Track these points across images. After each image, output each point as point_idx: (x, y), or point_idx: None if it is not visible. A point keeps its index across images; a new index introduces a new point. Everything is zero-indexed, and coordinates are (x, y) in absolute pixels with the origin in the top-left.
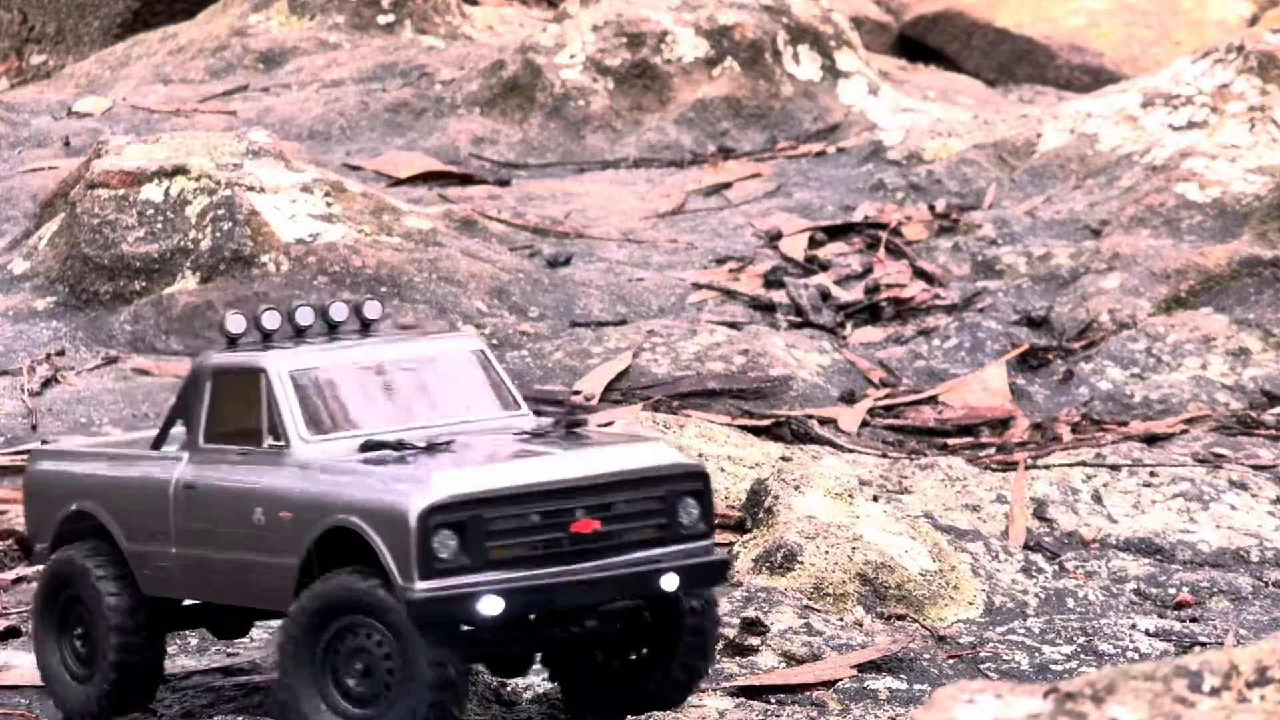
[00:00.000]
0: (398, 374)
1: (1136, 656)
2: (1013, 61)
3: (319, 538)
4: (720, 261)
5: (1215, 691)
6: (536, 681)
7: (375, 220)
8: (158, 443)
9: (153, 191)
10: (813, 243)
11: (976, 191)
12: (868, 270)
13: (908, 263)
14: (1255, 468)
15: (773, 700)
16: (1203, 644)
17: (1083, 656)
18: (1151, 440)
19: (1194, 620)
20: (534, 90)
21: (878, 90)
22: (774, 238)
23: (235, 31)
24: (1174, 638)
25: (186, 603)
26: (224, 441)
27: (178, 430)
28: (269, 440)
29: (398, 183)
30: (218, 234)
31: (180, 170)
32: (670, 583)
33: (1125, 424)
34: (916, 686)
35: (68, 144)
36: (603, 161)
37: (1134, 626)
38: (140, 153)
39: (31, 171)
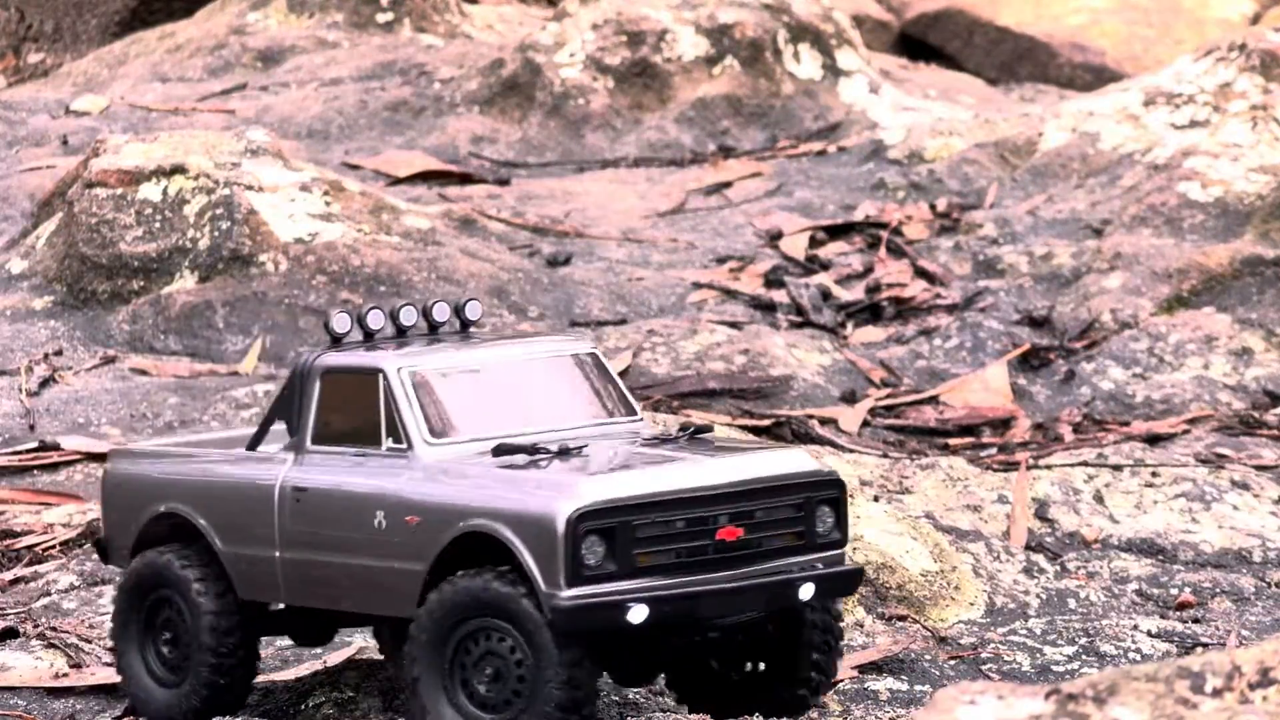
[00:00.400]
0: (514, 377)
1: (1138, 657)
2: (1014, 60)
3: (451, 542)
4: (721, 261)
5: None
6: None
7: (374, 219)
8: (254, 443)
9: (151, 190)
10: (813, 242)
11: (978, 190)
12: (869, 270)
13: (909, 262)
14: (1257, 468)
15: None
16: (1205, 645)
17: (1084, 657)
18: (1153, 440)
19: (1196, 621)
20: (533, 89)
21: (879, 89)
22: (774, 237)
23: (233, 30)
24: (1176, 639)
25: (274, 607)
26: (333, 443)
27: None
28: (388, 442)
29: (396, 182)
30: (216, 233)
31: (178, 169)
32: (807, 592)
33: (1127, 424)
34: (917, 687)
35: (65, 143)
36: (602, 160)
37: (1136, 627)
38: (138, 152)
39: (29, 170)
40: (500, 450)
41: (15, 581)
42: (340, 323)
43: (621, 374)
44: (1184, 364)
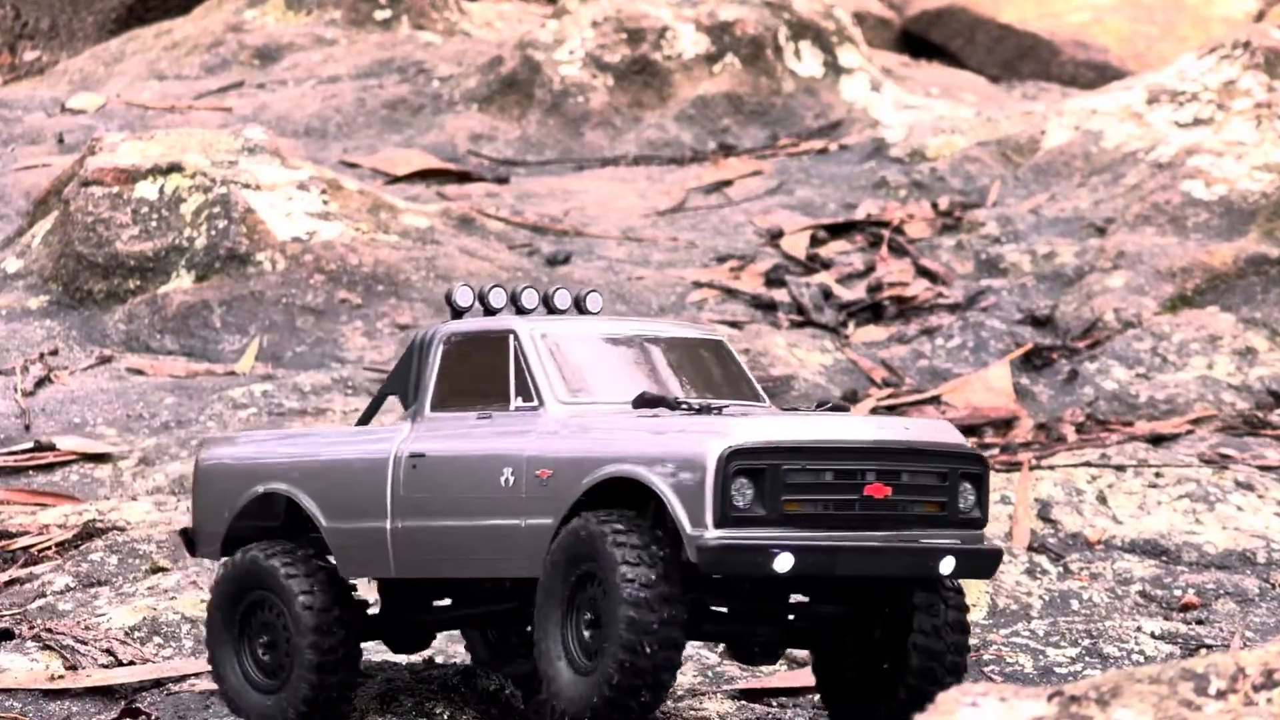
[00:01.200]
0: (645, 350)
1: (1142, 659)
2: (1017, 58)
3: (584, 494)
4: (721, 260)
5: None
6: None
7: (372, 218)
8: (365, 419)
9: (147, 189)
10: (814, 241)
11: (980, 189)
12: (870, 269)
13: (910, 261)
14: (1262, 468)
15: (774, 703)
16: (1209, 646)
17: (1087, 659)
18: (1157, 441)
19: (1200, 622)
20: (533, 87)
21: (880, 87)
22: (775, 236)
23: (231, 27)
24: (1180, 640)
25: (371, 611)
26: (454, 409)
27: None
28: (517, 402)
29: (395, 180)
30: (213, 232)
31: (175, 168)
32: (947, 566)
33: (1130, 424)
34: None
35: (61, 141)
36: (602, 159)
37: (1139, 629)
38: (134, 150)
39: (25, 169)
40: (641, 401)
41: (11, 583)
42: (464, 295)
43: None
44: (1188, 364)
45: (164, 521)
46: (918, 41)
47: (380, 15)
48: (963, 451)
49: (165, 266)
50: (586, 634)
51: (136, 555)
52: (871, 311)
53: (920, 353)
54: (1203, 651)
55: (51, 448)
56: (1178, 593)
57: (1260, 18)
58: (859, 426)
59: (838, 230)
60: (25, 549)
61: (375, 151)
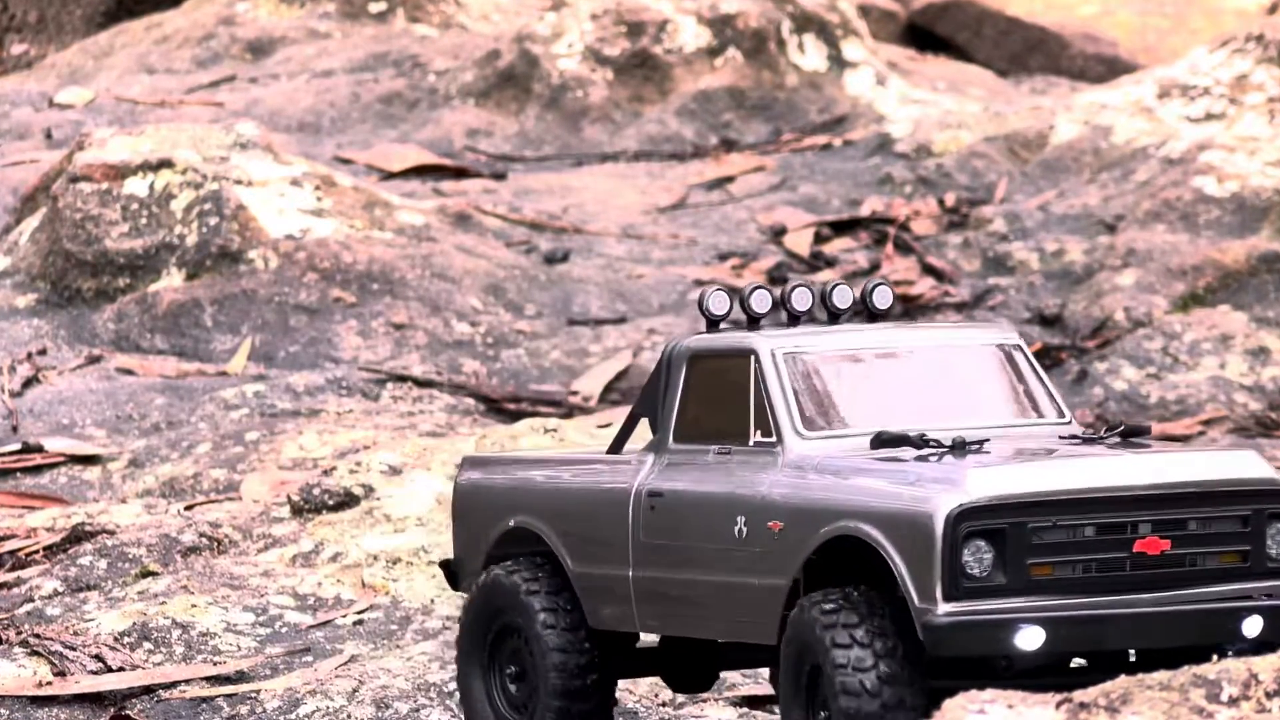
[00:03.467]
0: (912, 366)
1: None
2: (1025, 51)
3: (816, 551)
4: (723, 257)
5: (1234, 701)
6: None
7: (367, 215)
8: (616, 445)
9: (137, 185)
10: (818, 238)
11: (987, 185)
12: (875, 267)
13: (916, 259)
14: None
15: (776, 710)
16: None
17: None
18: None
19: None
20: (530, 80)
21: (885, 81)
22: (778, 233)
23: (222, 20)
24: None
25: (641, 644)
26: (697, 440)
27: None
28: (756, 436)
29: (390, 176)
30: (204, 229)
31: (165, 163)
32: (1253, 627)
33: None
34: None
35: (49, 136)
36: (601, 154)
37: None
38: (124, 145)
39: (12, 165)
40: (879, 441)
41: None
42: (717, 302)
43: (620, 375)
44: (1199, 363)
45: (154, 524)
46: (923, 34)
47: (375, 8)
48: (1272, 488)
49: (155, 264)
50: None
51: (126, 559)
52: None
53: None
54: (1214, 657)
55: (39, 449)
56: None
57: (1274, 10)
58: (1130, 468)
59: (842, 227)
60: (12, 553)
61: (370, 147)
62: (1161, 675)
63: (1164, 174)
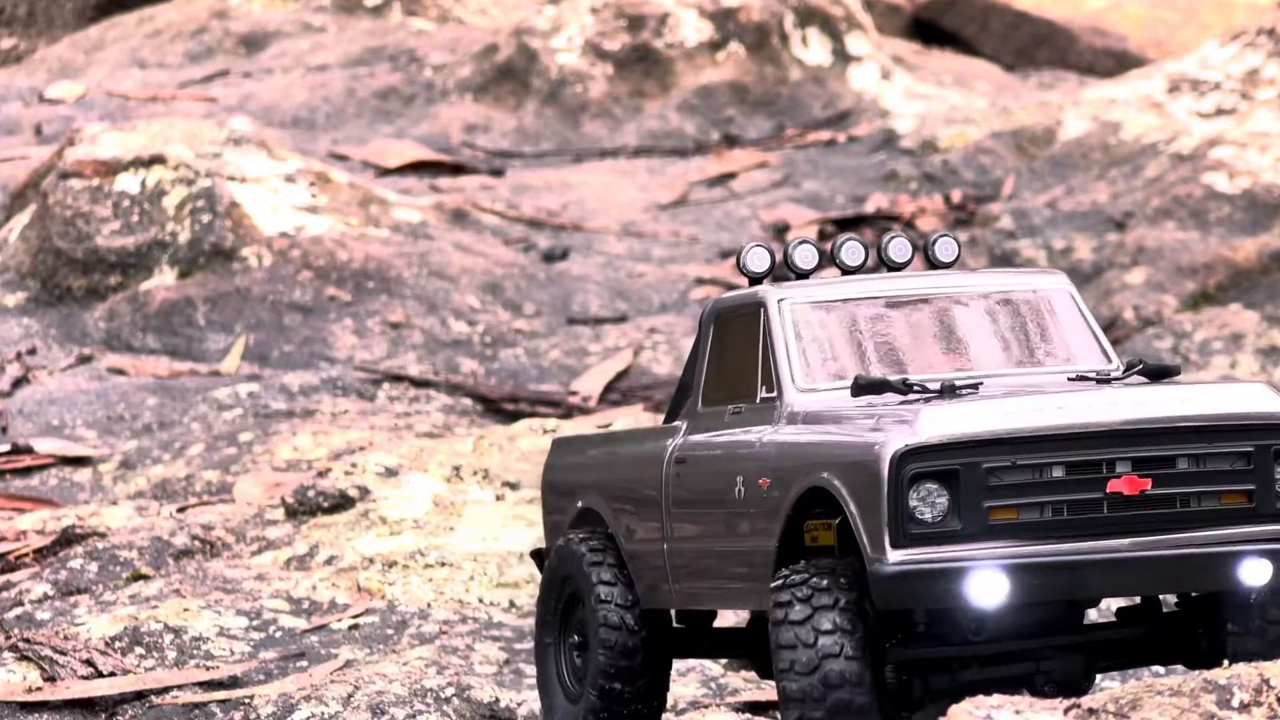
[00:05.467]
0: (938, 314)
1: (1162, 671)
2: (1032, 45)
3: (794, 505)
4: (725, 255)
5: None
6: (531, 698)
7: (362, 212)
8: (670, 415)
9: (129, 182)
10: (822, 236)
11: (994, 182)
12: None
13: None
14: None
15: (778, 715)
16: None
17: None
18: None
19: None
20: (529, 75)
21: (890, 75)
22: (781, 230)
23: (215, 13)
24: None
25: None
26: (722, 402)
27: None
28: (762, 392)
29: (386, 172)
30: (197, 226)
31: (157, 159)
32: (1257, 573)
33: None
34: None
35: (39, 132)
36: (601, 150)
37: None
38: (116, 141)
39: (1, 161)
40: (858, 387)
41: None
42: (757, 259)
43: (621, 374)
44: (1210, 363)
45: (146, 527)
46: (929, 28)
47: (371, 1)
48: (1277, 423)
49: (147, 262)
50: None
51: (117, 562)
52: None
53: None
54: (1225, 663)
55: (29, 450)
56: None
57: None
58: (1103, 404)
59: (846, 224)
60: (2, 556)
61: (365, 143)
62: (1172, 680)
63: (1174, 170)
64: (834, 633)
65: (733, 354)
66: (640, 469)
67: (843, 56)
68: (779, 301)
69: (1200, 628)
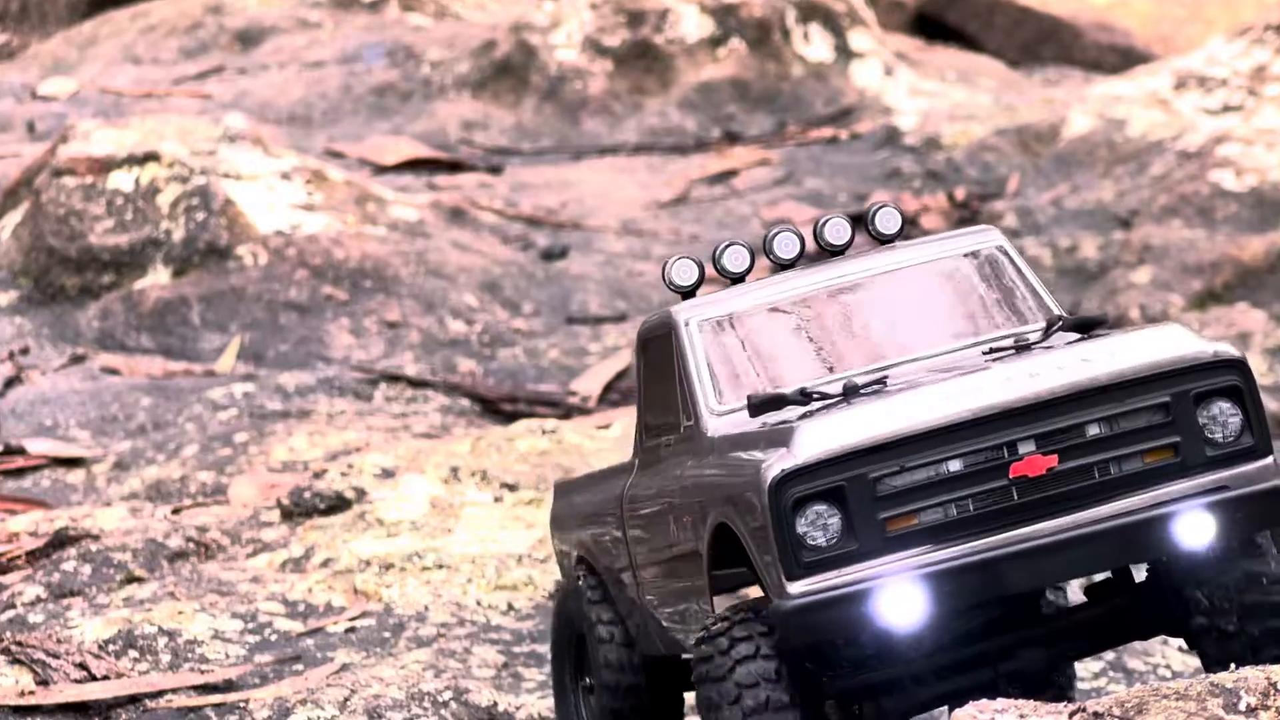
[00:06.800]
0: (855, 305)
1: (1168, 674)
2: (1037, 41)
3: (713, 545)
4: None
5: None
6: (529, 701)
7: (359, 210)
8: (634, 449)
9: (122, 179)
10: None
11: (998, 179)
12: None
13: None
14: None
15: None
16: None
17: (1111, 674)
18: None
19: None
20: (528, 71)
21: (893, 71)
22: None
23: (210, 9)
24: None
25: None
26: (659, 433)
27: None
28: (684, 421)
29: (383, 170)
30: (191, 225)
31: (151, 157)
32: (1194, 529)
33: None
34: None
35: (32, 129)
36: (601, 147)
37: (1165, 642)
38: (109, 138)
39: None
40: (754, 407)
41: None
42: (682, 272)
43: (620, 375)
44: None
45: (140, 529)
46: (933, 24)
47: None
48: (1194, 363)
49: (141, 261)
50: None
51: (111, 565)
52: None
53: None
54: (1232, 666)
55: (21, 451)
56: None
57: None
58: (991, 384)
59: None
60: None
61: (362, 140)
62: (1178, 684)
63: (1180, 168)
64: (755, 686)
65: (661, 381)
66: (605, 512)
67: (845, 53)
68: (685, 322)
69: (1172, 591)
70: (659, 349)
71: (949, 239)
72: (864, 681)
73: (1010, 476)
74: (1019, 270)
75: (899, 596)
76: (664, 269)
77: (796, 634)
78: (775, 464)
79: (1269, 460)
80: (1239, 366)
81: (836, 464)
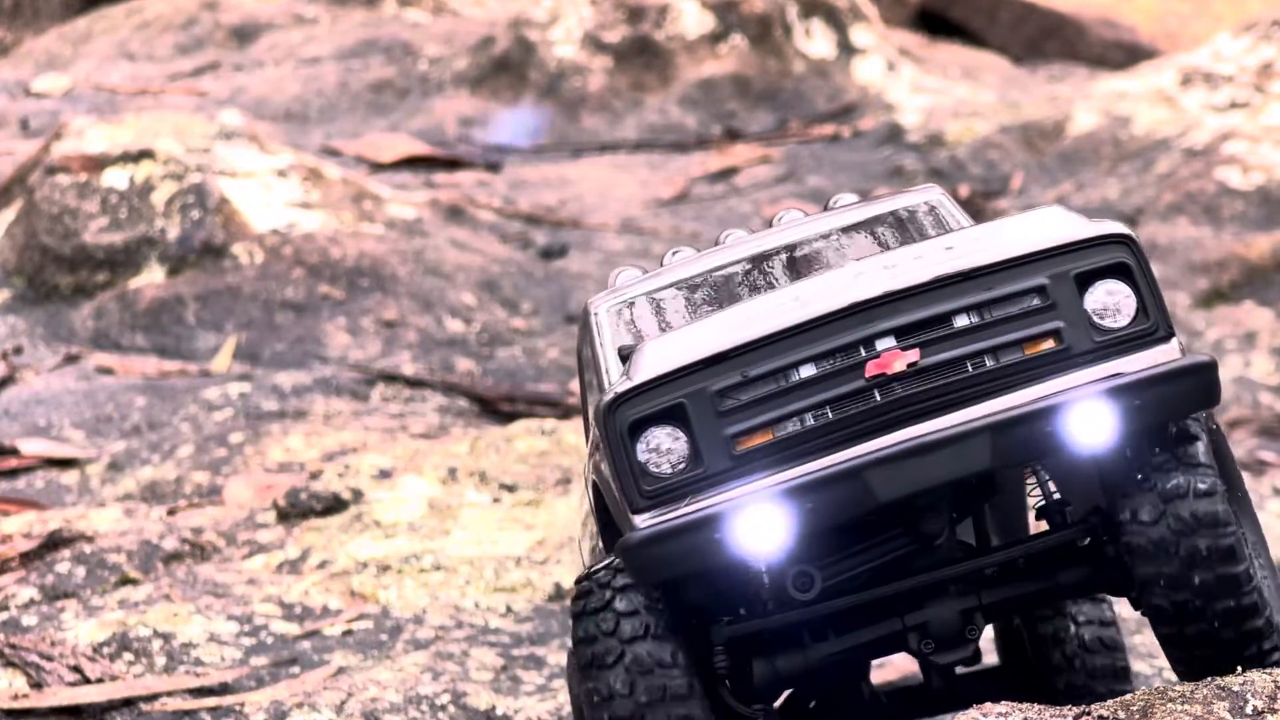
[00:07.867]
0: (783, 268)
1: (1174, 676)
2: (1041, 37)
3: (595, 499)
4: None
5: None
6: (528, 705)
7: (356, 208)
8: None
9: (117, 177)
10: None
11: (1002, 177)
12: None
13: None
14: None
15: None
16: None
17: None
18: None
19: None
20: (526, 68)
21: (896, 68)
22: None
23: (205, 5)
24: None
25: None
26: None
27: None
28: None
29: (380, 168)
30: (186, 223)
31: (146, 154)
32: (1089, 422)
33: None
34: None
35: (26, 126)
36: (600, 144)
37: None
38: (103, 135)
39: None
40: (623, 357)
41: None
42: (627, 282)
43: None
44: (1223, 362)
45: (134, 530)
46: (936, 20)
47: None
48: (1076, 244)
49: (136, 259)
50: None
51: (105, 566)
52: None
53: None
54: (1239, 668)
55: (15, 452)
56: None
57: None
58: (855, 276)
59: None
60: None
61: (359, 137)
62: (1184, 687)
63: (1186, 165)
64: (632, 642)
65: (588, 370)
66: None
67: (847, 49)
68: (595, 311)
69: (1106, 535)
70: (583, 339)
71: (887, 198)
72: (748, 629)
73: (867, 376)
74: (957, 219)
75: (754, 519)
76: (663, 263)
77: (645, 572)
78: (611, 389)
79: (1172, 344)
80: (1126, 242)
81: (674, 380)
